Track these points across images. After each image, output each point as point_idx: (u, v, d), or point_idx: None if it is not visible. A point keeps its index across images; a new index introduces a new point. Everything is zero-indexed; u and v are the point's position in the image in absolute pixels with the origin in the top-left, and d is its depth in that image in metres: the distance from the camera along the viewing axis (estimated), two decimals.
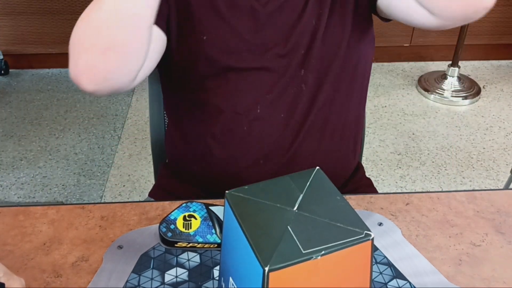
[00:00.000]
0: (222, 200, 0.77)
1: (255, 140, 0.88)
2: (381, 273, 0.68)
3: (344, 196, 0.51)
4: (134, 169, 2.17)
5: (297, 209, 0.49)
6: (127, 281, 0.66)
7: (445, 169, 2.16)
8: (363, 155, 1.20)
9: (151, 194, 1.04)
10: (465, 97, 2.65)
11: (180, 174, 1.00)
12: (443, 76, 2.77)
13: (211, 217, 0.71)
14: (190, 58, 0.88)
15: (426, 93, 2.69)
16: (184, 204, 0.73)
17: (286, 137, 0.89)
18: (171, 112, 1.01)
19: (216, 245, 0.70)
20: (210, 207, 0.73)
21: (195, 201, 0.74)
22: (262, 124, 0.88)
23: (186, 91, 0.92)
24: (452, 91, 2.68)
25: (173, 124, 1.00)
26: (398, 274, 0.67)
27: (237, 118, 0.88)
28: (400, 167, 2.16)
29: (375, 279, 0.67)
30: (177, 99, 0.96)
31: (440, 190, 2.06)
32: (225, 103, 0.88)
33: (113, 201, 1.97)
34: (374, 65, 2.84)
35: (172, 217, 0.71)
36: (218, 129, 0.90)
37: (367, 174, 1.08)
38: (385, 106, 2.56)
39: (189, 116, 0.93)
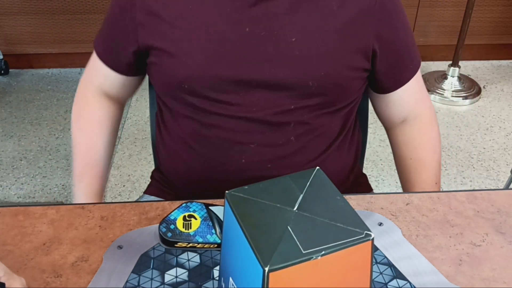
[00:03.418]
0: (222, 200, 0.77)
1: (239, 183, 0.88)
2: (381, 273, 0.68)
3: (344, 196, 0.51)
4: (134, 169, 2.17)
5: (297, 209, 0.49)
6: (127, 281, 0.66)
7: (445, 169, 2.16)
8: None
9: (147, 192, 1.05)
10: (466, 97, 2.65)
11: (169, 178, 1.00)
12: (443, 76, 2.77)
13: (211, 217, 0.71)
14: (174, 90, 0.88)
15: None
16: (184, 204, 0.73)
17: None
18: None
19: (216, 245, 0.69)
20: (210, 207, 0.73)
21: (195, 201, 0.74)
22: (247, 174, 0.88)
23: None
24: (453, 91, 2.68)
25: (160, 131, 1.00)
26: (398, 274, 0.67)
27: (221, 163, 0.88)
28: None
29: (375, 279, 0.67)
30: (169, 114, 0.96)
31: (440, 190, 2.05)
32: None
33: (113, 201, 1.97)
34: None
35: (172, 217, 0.71)
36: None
37: (367, 174, 1.08)
38: None
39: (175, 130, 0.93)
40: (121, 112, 1.04)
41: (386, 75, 0.92)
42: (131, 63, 0.92)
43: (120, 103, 1.03)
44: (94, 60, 0.96)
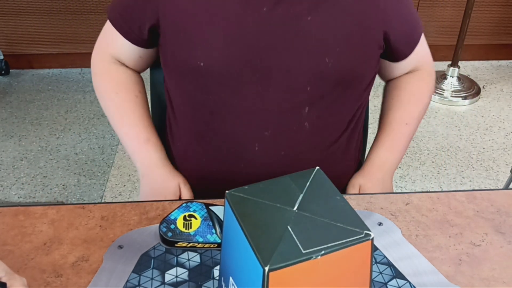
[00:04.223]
0: (222, 200, 0.77)
1: (252, 177, 0.89)
2: (381, 273, 0.68)
3: (344, 196, 0.51)
4: (134, 169, 2.17)
5: (297, 209, 0.49)
6: (127, 281, 0.66)
7: (445, 169, 2.16)
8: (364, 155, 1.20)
9: None
10: (465, 97, 2.65)
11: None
12: (443, 76, 2.77)
13: (211, 217, 0.72)
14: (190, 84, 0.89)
15: None
16: (184, 204, 0.74)
17: (285, 170, 0.89)
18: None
19: (216, 245, 0.70)
20: (210, 207, 0.73)
21: (195, 201, 0.74)
22: (260, 161, 0.88)
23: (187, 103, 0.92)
24: (452, 91, 2.68)
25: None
26: (398, 274, 0.67)
27: (235, 151, 0.88)
28: (400, 167, 2.16)
29: (375, 279, 0.67)
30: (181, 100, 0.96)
31: (440, 190, 2.05)
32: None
33: (113, 201, 1.97)
34: None
35: (172, 217, 0.71)
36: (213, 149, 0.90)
37: None
38: None
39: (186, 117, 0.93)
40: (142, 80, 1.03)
41: (400, 43, 0.94)
42: (148, 37, 0.92)
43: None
44: (110, 31, 0.95)
